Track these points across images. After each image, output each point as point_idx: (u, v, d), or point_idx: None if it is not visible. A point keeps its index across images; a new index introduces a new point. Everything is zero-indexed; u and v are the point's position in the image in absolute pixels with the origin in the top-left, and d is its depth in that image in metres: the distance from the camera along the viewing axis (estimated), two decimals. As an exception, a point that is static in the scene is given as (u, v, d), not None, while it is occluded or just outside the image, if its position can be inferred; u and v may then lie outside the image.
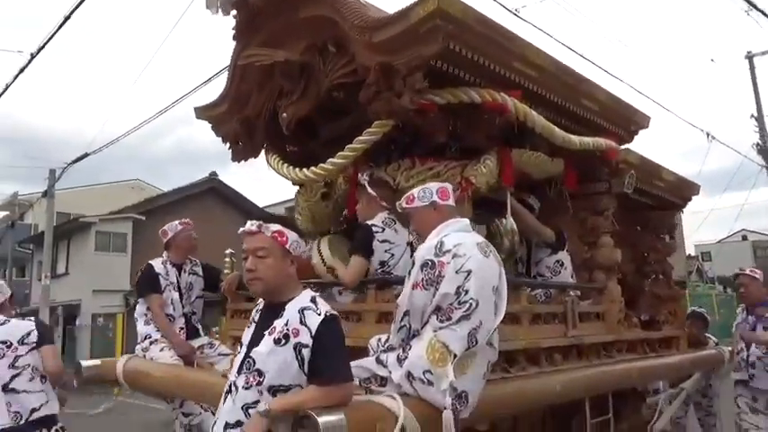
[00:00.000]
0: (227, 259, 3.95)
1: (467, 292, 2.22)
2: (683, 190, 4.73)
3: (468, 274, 2.24)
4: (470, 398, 2.22)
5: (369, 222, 3.08)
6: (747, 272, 4.66)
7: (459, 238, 2.34)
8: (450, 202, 2.54)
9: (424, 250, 2.33)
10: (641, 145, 4.74)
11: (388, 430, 1.97)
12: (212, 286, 4.05)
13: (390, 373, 2.23)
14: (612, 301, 3.69)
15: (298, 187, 3.94)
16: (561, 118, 3.54)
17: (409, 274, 2.34)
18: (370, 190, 3.14)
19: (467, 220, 2.51)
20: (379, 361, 2.31)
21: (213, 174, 23.01)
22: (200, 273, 4.06)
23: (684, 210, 4.87)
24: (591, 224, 3.85)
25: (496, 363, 2.78)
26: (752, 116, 21.01)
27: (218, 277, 3.99)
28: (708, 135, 19.53)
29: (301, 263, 2.10)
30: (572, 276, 3.78)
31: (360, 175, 3.24)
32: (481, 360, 2.27)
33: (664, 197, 4.52)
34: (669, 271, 4.70)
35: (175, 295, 3.82)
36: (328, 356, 1.89)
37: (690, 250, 33.22)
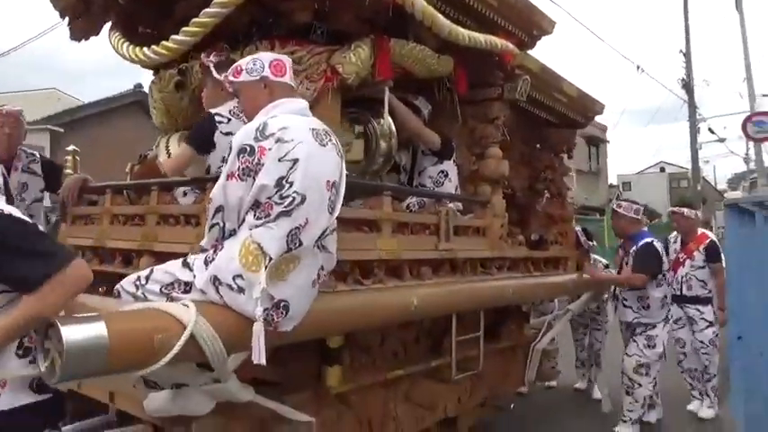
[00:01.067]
0: (69, 157, 3.40)
1: (291, 184, 1.85)
2: (586, 107, 4.51)
3: (294, 164, 1.87)
4: (293, 308, 1.91)
5: (213, 111, 2.63)
6: (614, 206, 4.62)
7: (288, 120, 1.95)
8: (287, 79, 2.12)
9: (243, 134, 1.93)
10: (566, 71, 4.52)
11: (171, 343, 1.63)
12: (55, 187, 3.49)
13: (195, 277, 1.88)
14: (495, 215, 3.46)
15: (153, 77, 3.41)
16: (450, 8, 3.13)
17: (225, 162, 1.95)
18: (215, 73, 2.67)
19: (304, 103, 2.11)
20: (185, 264, 1.94)
21: (138, 86, 21.30)
22: (39, 171, 3.50)
23: (586, 126, 4.66)
24: (480, 133, 3.55)
25: (346, 273, 2.50)
26: (680, 51, 21.59)
27: (60, 176, 3.44)
28: (638, 67, 20.08)
29: None
30: (456, 189, 3.51)
31: (205, 57, 2.75)
32: (308, 265, 1.94)
33: (564, 113, 4.28)
34: (564, 191, 4.55)
35: (1, 199, 3.25)
36: (17, 257, 1.48)
37: (612, 180, 34.93)
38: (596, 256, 5.12)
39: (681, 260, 4.95)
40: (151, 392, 2.10)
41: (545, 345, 4.32)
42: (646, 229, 4.83)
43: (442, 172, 3.40)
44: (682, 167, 37.17)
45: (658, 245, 4.46)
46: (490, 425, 4.32)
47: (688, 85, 21.38)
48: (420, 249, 2.88)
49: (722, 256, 4.83)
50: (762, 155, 16.69)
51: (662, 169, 43.88)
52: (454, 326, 3.09)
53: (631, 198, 5.78)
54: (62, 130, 18.32)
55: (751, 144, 18.12)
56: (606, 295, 4.84)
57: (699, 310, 4.84)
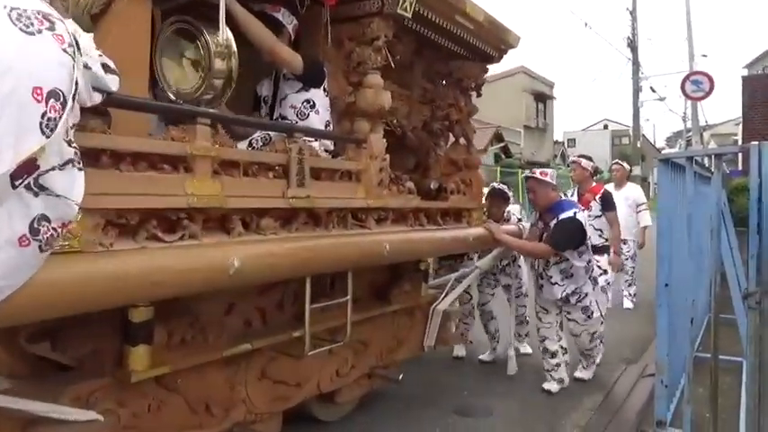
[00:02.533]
0: None
1: None
2: (498, 37, 3.90)
3: None
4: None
5: None
6: (537, 174, 4.15)
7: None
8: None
9: None
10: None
11: None
12: None
13: None
14: (373, 157, 2.86)
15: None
16: None
17: None
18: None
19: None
20: None
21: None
22: None
23: (499, 61, 4.07)
24: (358, 58, 2.91)
25: (136, 226, 1.87)
26: (627, 9, 21.62)
27: None
28: (585, 24, 20.02)
29: None
30: (328, 125, 2.89)
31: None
32: (4, 215, 1.30)
33: (471, 42, 3.67)
34: (471, 134, 3.98)
35: None
36: None
37: (558, 136, 35.55)
38: (510, 208, 4.65)
39: None
40: None
41: (446, 306, 3.85)
42: (562, 196, 4.50)
43: (308, 101, 2.77)
44: (624, 125, 37.97)
45: (581, 217, 4.10)
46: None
47: (633, 44, 21.47)
48: (259, 196, 2.27)
49: (615, 205, 5.30)
50: (697, 113, 16.78)
51: (605, 126, 44.95)
52: (308, 291, 2.53)
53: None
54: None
55: (689, 103, 18.22)
56: (515, 253, 4.43)
57: (595, 259, 4.67)
